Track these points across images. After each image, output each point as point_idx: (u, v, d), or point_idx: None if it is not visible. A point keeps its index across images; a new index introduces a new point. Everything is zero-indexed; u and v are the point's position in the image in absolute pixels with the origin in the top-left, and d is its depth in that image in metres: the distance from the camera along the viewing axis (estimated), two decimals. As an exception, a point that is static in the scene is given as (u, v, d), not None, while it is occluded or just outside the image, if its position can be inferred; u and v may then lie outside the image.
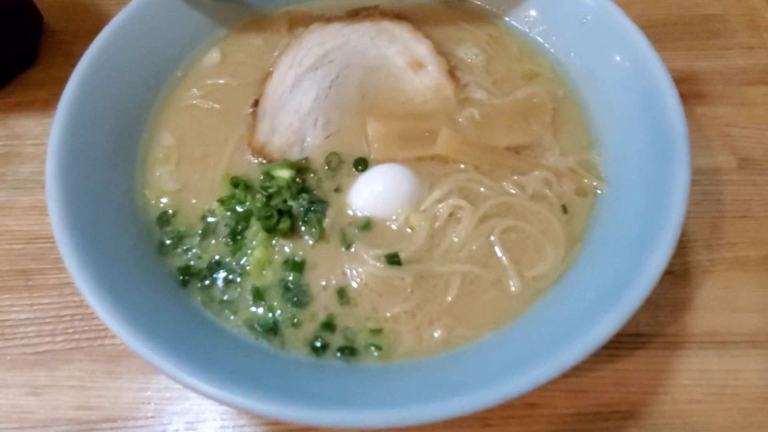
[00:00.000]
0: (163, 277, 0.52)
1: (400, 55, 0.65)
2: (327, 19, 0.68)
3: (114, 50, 0.59)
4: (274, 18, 0.69)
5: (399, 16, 0.68)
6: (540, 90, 0.63)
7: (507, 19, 0.69)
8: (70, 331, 0.63)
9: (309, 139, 0.60)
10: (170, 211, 0.57)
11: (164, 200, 0.57)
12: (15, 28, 0.81)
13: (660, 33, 0.82)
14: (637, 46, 0.57)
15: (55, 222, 0.49)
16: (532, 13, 0.67)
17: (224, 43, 0.67)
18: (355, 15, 0.69)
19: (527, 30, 0.68)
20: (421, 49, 0.65)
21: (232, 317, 0.52)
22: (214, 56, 0.66)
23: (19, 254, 0.69)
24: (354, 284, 0.53)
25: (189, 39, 0.66)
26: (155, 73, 0.63)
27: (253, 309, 0.52)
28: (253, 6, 0.69)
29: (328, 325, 0.51)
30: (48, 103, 0.82)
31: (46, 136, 0.77)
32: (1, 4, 0.78)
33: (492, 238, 0.54)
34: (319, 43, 0.65)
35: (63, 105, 0.55)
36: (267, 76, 0.64)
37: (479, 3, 0.70)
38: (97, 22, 0.88)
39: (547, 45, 0.66)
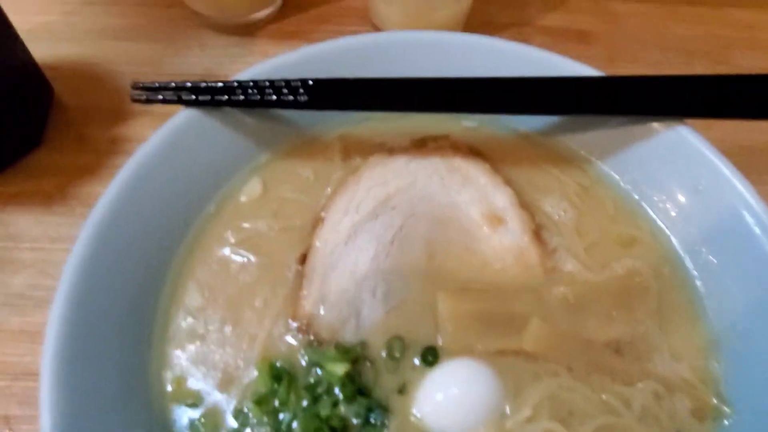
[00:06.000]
0: None
1: (475, 204, 0.55)
2: (389, 149, 0.58)
3: (139, 190, 0.48)
4: (325, 143, 0.59)
5: (473, 151, 0.58)
6: (641, 264, 0.53)
7: (599, 164, 0.59)
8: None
9: (366, 313, 0.50)
10: (197, 414, 0.45)
11: (192, 385, 0.46)
12: (21, 102, 0.70)
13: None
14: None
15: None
16: (630, 165, 0.57)
17: (266, 170, 0.57)
18: (422, 146, 0.59)
19: (620, 179, 0.58)
20: (501, 198, 0.55)
21: None
22: (254, 188, 0.56)
23: (1, 394, 0.57)
24: None
25: (227, 166, 0.55)
26: (185, 210, 0.52)
27: None
28: (301, 126, 0.58)
29: None
30: (52, 197, 0.71)
31: (46, 240, 0.67)
32: (7, 72, 0.67)
33: (593, 473, 0.44)
34: (380, 182, 0.55)
35: (71, 270, 0.44)
36: (317, 222, 0.54)
37: (566, 142, 0.60)
38: (114, 99, 0.78)
39: (643, 202, 0.57)
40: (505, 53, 0.58)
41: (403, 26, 0.79)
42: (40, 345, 0.61)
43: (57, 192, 0.71)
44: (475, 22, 0.84)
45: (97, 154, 0.73)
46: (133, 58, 0.81)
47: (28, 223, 0.68)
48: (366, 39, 0.58)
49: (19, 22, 0.72)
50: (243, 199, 0.55)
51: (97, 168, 0.72)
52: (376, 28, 0.83)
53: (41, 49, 0.79)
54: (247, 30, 0.84)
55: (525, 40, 0.86)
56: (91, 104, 0.77)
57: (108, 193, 0.47)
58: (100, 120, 0.76)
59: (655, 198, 0.56)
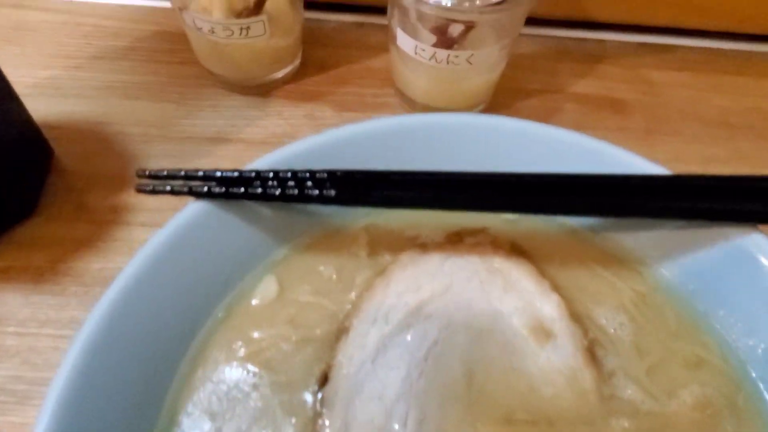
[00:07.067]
0: None
1: (520, 314, 0.48)
2: (422, 245, 0.52)
3: (138, 298, 0.41)
4: (349, 235, 0.52)
5: (515, 249, 0.52)
6: (712, 392, 0.46)
7: (657, 267, 0.52)
8: None
9: (396, 449, 0.43)
10: None
11: None
12: (16, 166, 0.64)
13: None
14: None
15: None
16: (693, 272, 0.50)
17: (283, 268, 0.50)
18: (458, 241, 0.52)
19: (681, 286, 0.51)
20: (549, 308, 0.49)
21: None
22: (269, 288, 0.49)
23: None
24: None
25: (239, 264, 0.49)
26: (190, 318, 0.45)
27: None
28: (323, 216, 0.52)
29: None
30: (43, 273, 0.64)
31: (34, 323, 0.60)
32: (5, 136, 0.61)
33: None
34: (413, 287, 0.49)
35: (59, 387, 0.37)
36: (340, 332, 0.47)
37: (619, 241, 0.53)
38: (118, 164, 0.72)
39: (709, 316, 0.50)
40: (550, 140, 0.52)
41: (430, 93, 0.74)
42: (20, 452, 0.54)
43: (49, 267, 0.64)
44: (504, 89, 0.80)
45: (96, 224, 0.67)
46: (141, 119, 0.76)
47: (15, 303, 0.61)
48: (398, 122, 0.52)
49: (20, 76, 0.67)
50: (256, 302, 0.48)
51: (94, 241, 0.66)
52: (399, 92, 0.78)
53: (43, 107, 0.74)
54: (262, 89, 0.79)
55: (556, 107, 0.81)
56: (94, 168, 0.72)
57: (104, 300, 0.41)
58: (101, 186, 0.70)
59: (722, 312, 0.49)
